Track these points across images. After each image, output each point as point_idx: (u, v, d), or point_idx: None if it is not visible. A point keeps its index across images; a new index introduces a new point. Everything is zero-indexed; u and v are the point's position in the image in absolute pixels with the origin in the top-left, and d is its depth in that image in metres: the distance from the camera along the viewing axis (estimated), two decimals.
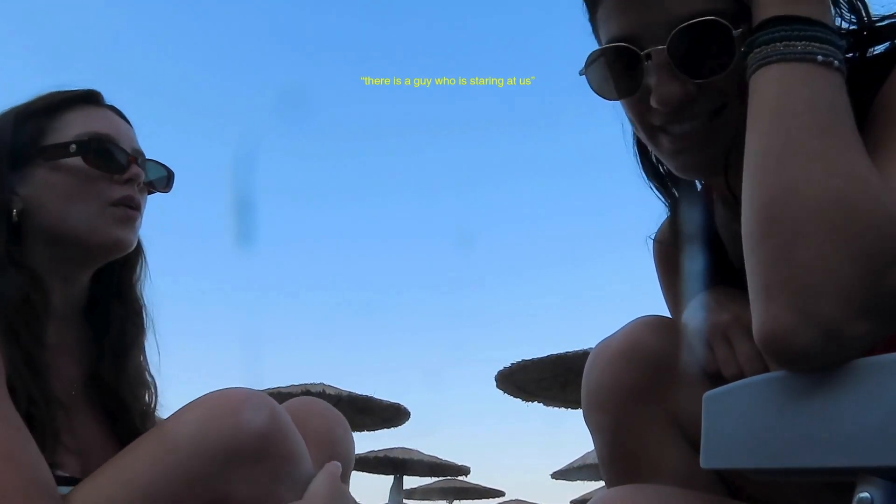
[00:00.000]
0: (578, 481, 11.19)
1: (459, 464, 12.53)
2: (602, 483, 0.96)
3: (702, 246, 0.92)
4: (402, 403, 10.28)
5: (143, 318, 1.09)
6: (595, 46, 0.77)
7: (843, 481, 0.54)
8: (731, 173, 0.72)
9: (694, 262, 0.93)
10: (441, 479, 13.18)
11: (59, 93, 1.04)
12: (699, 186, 0.99)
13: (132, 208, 1.00)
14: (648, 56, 0.69)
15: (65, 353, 0.99)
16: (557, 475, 11.68)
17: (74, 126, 1.00)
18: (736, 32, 0.66)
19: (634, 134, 0.87)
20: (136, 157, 1.03)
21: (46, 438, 0.83)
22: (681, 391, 0.84)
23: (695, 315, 0.87)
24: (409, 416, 10.83)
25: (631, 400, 0.85)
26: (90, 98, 1.05)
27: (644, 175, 0.93)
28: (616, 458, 0.89)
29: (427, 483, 13.30)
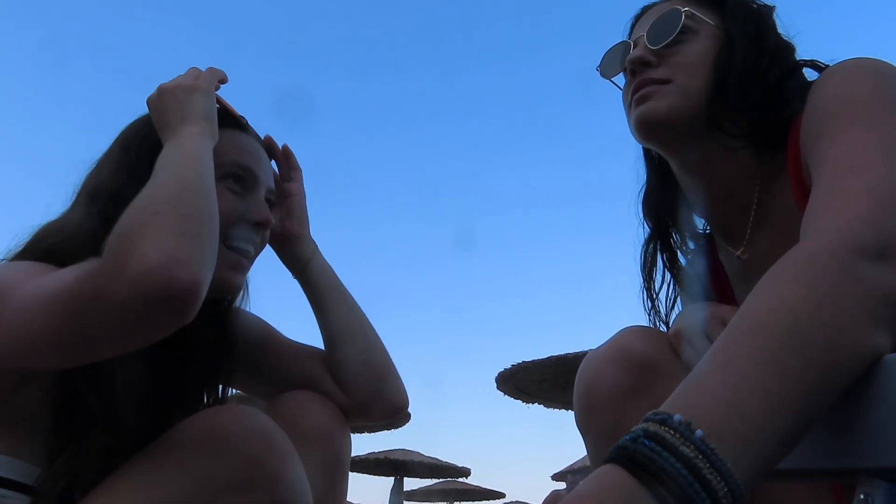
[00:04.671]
0: (579, 483, 11.17)
1: (460, 465, 12.53)
2: None
3: (703, 289, 1.03)
4: None
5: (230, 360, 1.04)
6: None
7: (843, 483, 0.54)
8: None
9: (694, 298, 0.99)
10: (441, 480, 13.18)
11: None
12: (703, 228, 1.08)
13: (246, 258, 0.96)
14: (636, 44, 0.93)
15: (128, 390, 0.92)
16: (558, 476, 11.69)
17: (224, 150, 0.93)
18: (684, 10, 0.90)
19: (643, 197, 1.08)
20: (271, 198, 1.00)
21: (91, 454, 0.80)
22: (671, 392, 0.85)
23: (688, 315, 0.90)
24: (410, 418, 10.82)
25: (622, 401, 0.86)
26: (239, 124, 1.00)
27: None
28: None
29: (427, 484, 13.30)
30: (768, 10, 0.95)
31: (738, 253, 0.93)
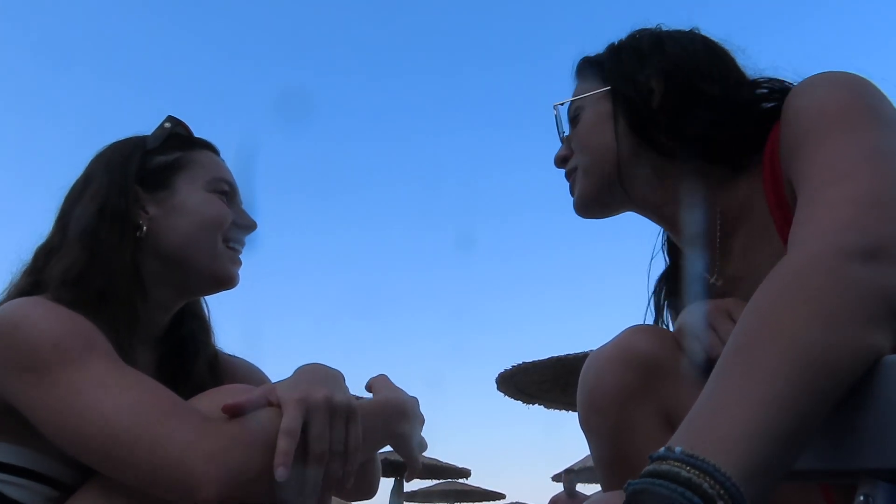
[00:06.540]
0: (579, 483, 11.19)
1: (460, 466, 12.55)
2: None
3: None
4: None
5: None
6: None
7: (843, 483, 0.54)
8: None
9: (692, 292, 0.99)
10: (442, 481, 13.19)
11: (183, 134, 1.09)
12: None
13: (238, 255, 1.08)
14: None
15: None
16: (558, 478, 11.67)
17: (208, 165, 1.06)
18: (559, 105, 0.99)
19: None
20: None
21: None
22: (675, 392, 0.85)
23: (690, 312, 0.89)
24: None
25: (626, 401, 0.86)
26: (213, 147, 1.11)
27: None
28: (612, 460, 0.90)
29: (428, 485, 13.30)
30: (668, 34, 0.95)
31: (713, 280, 0.94)
